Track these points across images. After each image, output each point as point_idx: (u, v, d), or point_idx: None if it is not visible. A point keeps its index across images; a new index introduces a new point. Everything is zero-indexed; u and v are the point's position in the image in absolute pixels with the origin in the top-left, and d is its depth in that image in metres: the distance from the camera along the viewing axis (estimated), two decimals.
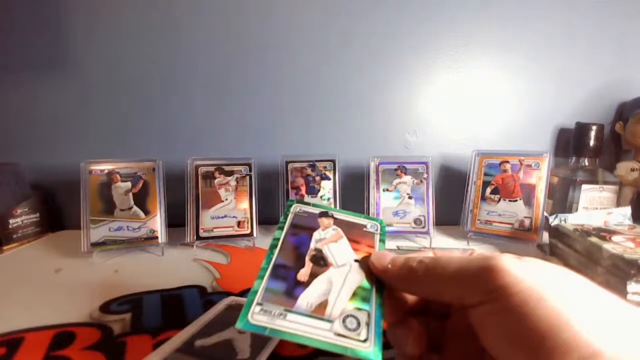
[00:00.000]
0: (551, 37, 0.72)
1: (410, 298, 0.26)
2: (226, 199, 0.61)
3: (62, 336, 0.35)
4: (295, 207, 0.30)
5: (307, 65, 0.72)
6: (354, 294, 0.24)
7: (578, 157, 0.69)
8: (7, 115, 0.70)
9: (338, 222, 0.29)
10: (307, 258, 0.26)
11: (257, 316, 0.22)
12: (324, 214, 0.30)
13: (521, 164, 0.62)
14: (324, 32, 0.71)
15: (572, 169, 0.69)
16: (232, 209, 0.61)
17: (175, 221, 0.61)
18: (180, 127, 0.72)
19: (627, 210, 0.56)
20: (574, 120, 0.71)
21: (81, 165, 0.57)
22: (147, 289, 0.44)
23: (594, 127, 0.68)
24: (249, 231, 0.61)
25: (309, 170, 0.65)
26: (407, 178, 0.65)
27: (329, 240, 0.28)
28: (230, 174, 0.62)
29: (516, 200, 0.61)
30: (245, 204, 0.62)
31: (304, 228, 0.28)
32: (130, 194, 0.58)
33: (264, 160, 0.69)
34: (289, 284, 0.24)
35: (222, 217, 0.61)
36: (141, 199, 0.58)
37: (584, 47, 0.73)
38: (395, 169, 0.65)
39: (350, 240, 0.28)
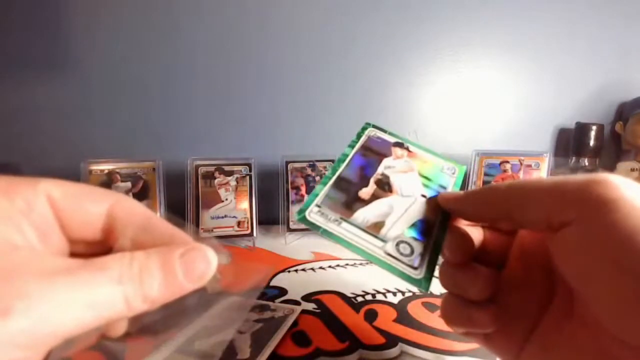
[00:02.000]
0: (551, 37, 0.72)
1: (476, 236, 0.24)
2: (226, 199, 0.61)
3: None
4: (370, 131, 0.28)
5: (307, 65, 0.72)
6: (413, 225, 0.23)
7: (578, 157, 0.69)
8: (7, 115, 0.70)
9: (412, 156, 0.28)
10: (372, 179, 0.25)
11: (314, 215, 0.22)
12: (399, 145, 0.28)
13: (521, 164, 0.62)
14: (324, 32, 0.71)
15: (572, 169, 0.69)
16: (232, 209, 0.61)
17: None
18: (180, 127, 0.72)
19: None
20: (574, 120, 0.71)
21: (81, 165, 0.57)
22: None
23: (594, 127, 0.67)
24: (249, 231, 0.61)
25: (309, 170, 0.65)
26: None
27: (398, 170, 0.27)
28: (230, 174, 0.62)
29: None
30: (245, 204, 0.62)
31: (375, 152, 0.27)
32: (131, 194, 0.58)
33: (264, 160, 0.69)
34: (349, 197, 0.24)
35: (222, 217, 0.61)
36: (141, 199, 0.58)
37: (584, 47, 0.73)
38: None
39: (422, 176, 0.27)
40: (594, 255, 0.15)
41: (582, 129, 0.68)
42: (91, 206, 0.17)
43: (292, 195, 0.64)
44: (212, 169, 0.62)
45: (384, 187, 0.25)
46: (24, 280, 0.13)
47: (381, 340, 0.34)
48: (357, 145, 0.27)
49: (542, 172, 0.60)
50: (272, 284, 0.45)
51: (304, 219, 0.22)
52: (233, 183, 0.62)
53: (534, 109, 0.75)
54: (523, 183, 0.19)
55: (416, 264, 0.21)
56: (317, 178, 0.65)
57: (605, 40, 0.73)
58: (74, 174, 0.57)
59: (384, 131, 0.29)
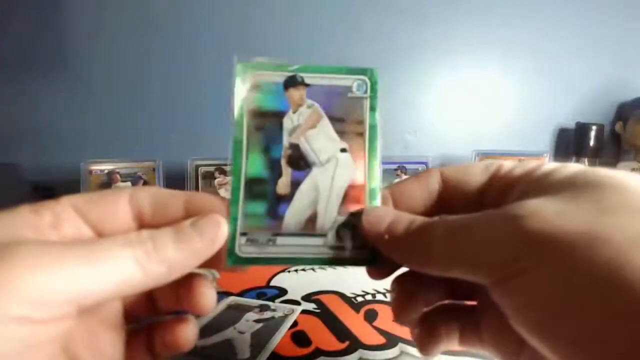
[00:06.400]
0: (551, 37, 0.72)
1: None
2: None
3: None
4: (248, 76, 0.19)
5: None
6: (346, 196, 0.19)
7: (578, 158, 0.69)
8: (7, 115, 0.70)
9: (313, 91, 0.20)
10: (282, 161, 0.19)
11: (245, 248, 0.18)
12: (292, 82, 0.20)
13: None
14: (325, 33, 0.71)
15: None
16: None
17: None
18: (180, 127, 0.72)
19: None
20: (574, 120, 0.71)
21: (81, 165, 0.57)
22: None
23: (594, 127, 0.68)
24: None
25: None
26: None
27: (305, 127, 0.19)
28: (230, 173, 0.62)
29: None
30: None
31: (268, 114, 0.19)
32: None
33: None
34: (270, 202, 0.19)
35: None
36: None
37: (584, 47, 0.73)
38: (395, 169, 0.65)
39: (332, 119, 0.20)
40: (527, 323, 0.13)
41: (582, 129, 0.69)
42: (114, 200, 0.18)
43: None
44: (212, 169, 0.62)
45: (299, 163, 0.19)
46: (27, 249, 0.13)
47: (381, 340, 0.34)
48: (245, 118, 0.19)
49: None
50: (272, 284, 0.45)
51: (237, 261, 0.18)
52: None
53: (534, 109, 0.75)
54: (464, 235, 0.15)
55: (358, 244, 0.18)
56: None
57: (605, 40, 0.73)
58: (74, 174, 0.57)
59: (266, 66, 0.20)
